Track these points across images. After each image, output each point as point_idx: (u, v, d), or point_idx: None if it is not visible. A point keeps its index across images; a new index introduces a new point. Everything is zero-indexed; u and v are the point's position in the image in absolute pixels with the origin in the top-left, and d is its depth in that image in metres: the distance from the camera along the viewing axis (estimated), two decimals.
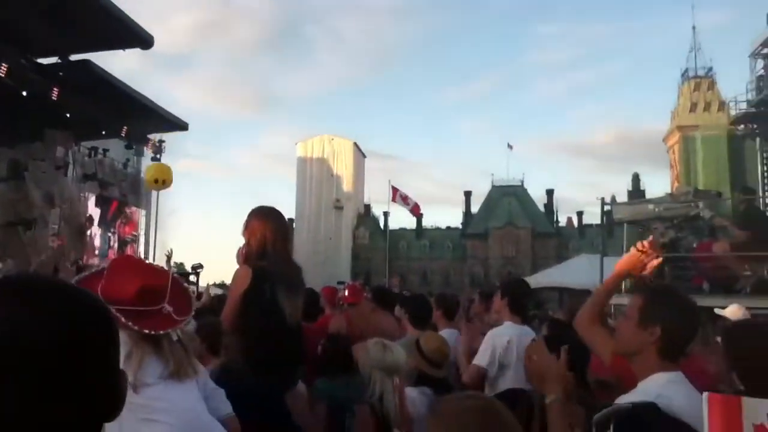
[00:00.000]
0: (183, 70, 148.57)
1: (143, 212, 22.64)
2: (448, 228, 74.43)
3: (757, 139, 36.63)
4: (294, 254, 4.13)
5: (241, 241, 3.50)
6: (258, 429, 2.71)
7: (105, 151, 19.43)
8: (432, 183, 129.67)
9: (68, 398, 0.80)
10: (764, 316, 7.12)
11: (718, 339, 3.25)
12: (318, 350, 3.98)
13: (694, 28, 56.27)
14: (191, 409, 2.26)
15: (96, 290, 2.08)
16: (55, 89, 13.83)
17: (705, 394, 1.45)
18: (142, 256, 20.74)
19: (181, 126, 19.64)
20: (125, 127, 17.69)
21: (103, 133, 17.98)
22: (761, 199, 25.25)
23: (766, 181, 34.96)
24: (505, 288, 4.35)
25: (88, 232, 17.98)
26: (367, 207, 75.31)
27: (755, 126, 36.11)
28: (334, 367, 3.68)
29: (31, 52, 13.86)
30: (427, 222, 74.06)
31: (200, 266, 12.75)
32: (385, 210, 66.85)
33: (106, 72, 14.58)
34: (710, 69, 55.90)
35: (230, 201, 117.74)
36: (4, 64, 12.31)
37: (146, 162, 22.65)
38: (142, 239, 22.39)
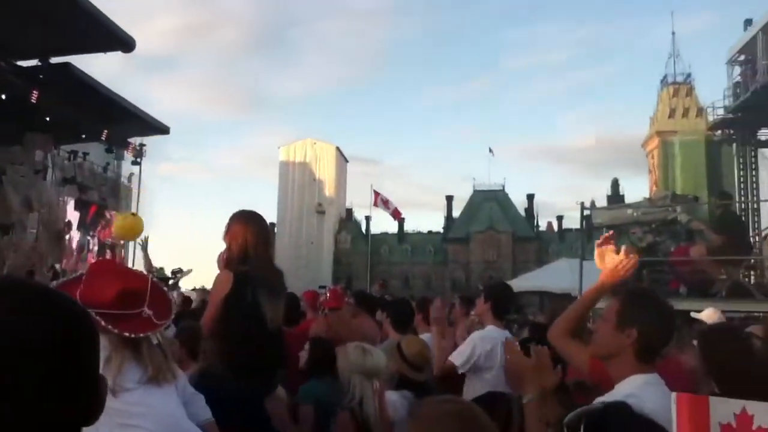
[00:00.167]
0: (165, 73, 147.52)
1: (122, 214, 22.43)
2: (430, 232, 74.58)
3: (734, 145, 37.19)
4: (276, 258, 4.14)
5: (223, 246, 3.50)
6: None
7: (85, 154, 19.25)
8: (414, 187, 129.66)
9: (45, 401, 0.81)
10: (739, 319, 7.24)
11: (695, 342, 3.30)
12: (299, 354, 3.99)
13: (673, 34, 57.14)
14: (170, 414, 2.25)
15: (74, 295, 2.07)
16: (34, 92, 13.68)
17: (673, 394, 1.48)
18: (123, 260, 20.56)
19: (162, 130, 19.53)
20: (105, 131, 17.54)
21: (83, 136, 17.83)
22: (737, 204, 25.65)
23: (742, 186, 35.51)
24: (488, 292, 4.35)
25: (67, 237, 17.79)
26: (349, 211, 75.24)
27: (732, 132, 36.66)
28: (321, 370, 3.70)
29: (10, 55, 13.70)
30: (409, 226, 74.22)
31: (180, 270, 12.65)
32: (367, 214, 66.79)
33: (86, 75, 14.46)
34: (689, 75, 56.69)
35: (213, 204, 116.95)
36: None
37: (127, 165, 22.48)
38: (121, 242, 22.16)
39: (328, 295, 6.53)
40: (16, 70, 13.80)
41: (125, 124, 17.81)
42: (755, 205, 29.70)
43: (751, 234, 13.80)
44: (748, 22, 34.95)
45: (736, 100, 33.27)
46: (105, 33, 13.68)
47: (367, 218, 68.07)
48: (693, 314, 5.34)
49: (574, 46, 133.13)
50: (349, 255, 70.62)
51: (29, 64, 14.06)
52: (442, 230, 73.55)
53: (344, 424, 3.11)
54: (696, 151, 46.95)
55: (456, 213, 73.89)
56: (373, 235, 68.18)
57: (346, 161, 76.71)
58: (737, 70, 33.80)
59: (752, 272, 10.04)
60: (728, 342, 3.05)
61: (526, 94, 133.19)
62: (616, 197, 60.34)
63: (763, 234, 12.54)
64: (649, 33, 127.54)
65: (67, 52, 14.31)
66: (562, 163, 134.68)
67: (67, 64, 14.04)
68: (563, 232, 68.05)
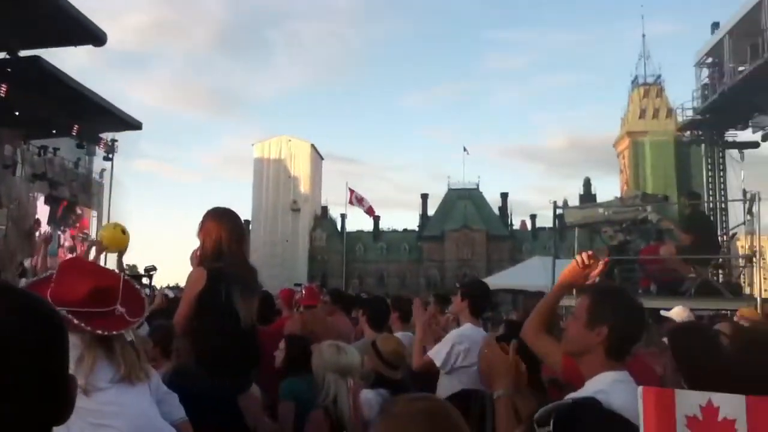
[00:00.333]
0: (138, 69, 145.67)
1: (94, 213, 22.12)
2: (405, 230, 74.71)
3: (702, 146, 37.88)
4: (250, 256, 4.11)
5: (197, 243, 3.47)
6: None
7: (55, 150, 18.92)
8: (390, 186, 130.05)
9: (14, 402, 0.80)
10: (708, 317, 7.39)
11: (665, 339, 3.36)
12: (275, 354, 3.98)
13: (643, 36, 58.27)
14: (143, 414, 2.23)
15: (45, 295, 2.04)
16: (3, 86, 13.41)
17: (640, 388, 1.49)
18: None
19: (134, 125, 19.27)
20: (77, 126, 17.26)
21: (54, 131, 17.53)
22: (706, 204, 26.13)
23: (710, 186, 36.17)
24: (465, 290, 4.35)
25: (36, 233, 17.47)
26: (325, 209, 75.00)
27: (700, 133, 37.30)
28: (298, 368, 3.69)
29: None
30: (385, 224, 74.32)
31: (153, 268, 12.51)
32: (342, 212, 66.78)
33: (56, 69, 14.20)
34: (659, 77, 57.59)
35: (187, 202, 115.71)
36: None
37: (98, 161, 22.15)
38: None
39: (303, 293, 6.53)
40: None
41: (96, 119, 17.54)
42: (723, 205, 30.26)
43: (719, 233, 14.08)
44: (715, 26, 35.61)
45: (705, 101, 33.87)
46: (76, 26, 13.45)
47: (343, 216, 68.05)
48: (662, 312, 5.44)
49: (549, 48, 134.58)
50: (324, 253, 70.44)
51: None
52: (417, 228, 73.71)
53: (318, 422, 3.11)
54: (666, 151, 47.74)
55: (431, 211, 74.15)
56: (349, 233, 68.09)
57: (322, 159, 76.50)
58: (705, 72, 34.39)
59: (720, 271, 10.25)
60: (697, 339, 3.12)
61: (501, 94, 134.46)
62: (588, 196, 61.11)
63: (731, 233, 12.80)
64: (621, 35, 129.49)
65: (37, 45, 14.05)
66: (535, 162, 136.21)
67: (36, 58, 13.78)
68: (536, 231, 68.72)
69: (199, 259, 3.40)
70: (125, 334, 2.24)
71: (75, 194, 20.40)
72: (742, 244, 10.50)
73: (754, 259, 8.82)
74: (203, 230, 3.42)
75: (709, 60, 33.63)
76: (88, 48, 15.12)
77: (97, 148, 20.95)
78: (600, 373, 2.02)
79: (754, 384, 1.83)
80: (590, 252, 2.54)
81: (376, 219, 71.76)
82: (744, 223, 9.18)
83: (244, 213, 65.92)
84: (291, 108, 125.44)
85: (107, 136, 20.34)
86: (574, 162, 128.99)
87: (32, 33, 13.33)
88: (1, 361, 0.79)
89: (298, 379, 3.68)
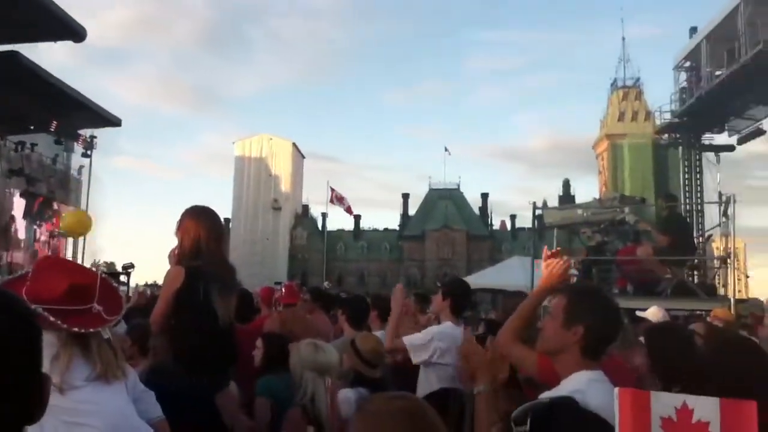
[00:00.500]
0: (118, 66, 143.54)
1: (72, 209, 21.85)
2: (386, 230, 74.78)
3: (680, 148, 38.39)
4: (230, 254, 4.10)
5: (176, 242, 3.45)
6: (188, 431, 2.68)
7: (33, 145, 18.66)
8: (371, 185, 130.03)
9: None
10: (684, 317, 7.50)
11: (641, 339, 3.40)
12: (253, 353, 3.96)
13: (623, 39, 58.57)
14: (119, 412, 2.22)
15: (20, 293, 2.02)
16: None
17: (616, 389, 1.52)
18: (70, 254, 20.04)
19: (113, 122, 19.09)
20: (55, 122, 17.06)
21: (32, 127, 17.30)
22: (683, 206, 26.50)
23: (687, 188, 36.68)
24: (447, 289, 4.34)
25: (12, 228, 17.23)
26: (305, 208, 74.81)
27: (678, 136, 37.80)
28: (276, 366, 3.68)
29: None
30: (366, 224, 74.38)
31: (131, 266, 12.38)
32: (323, 211, 66.64)
33: (35, 64, 14.01)
34: (638, 79, 58.23)
35: (167, 200, 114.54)
36: None
37: (76, 158, 21.91)
38: (70, 238, 21.60)
39: (283, 291, 6.51)
40: None
41: (75, 115, 17.35)
42: (699, 207, 30.72)
43: (695, 235, 14.28)
44: (693, 30, 36.10)
45: (683, 105, 34.33)
46: (55, 22, 13.29)
47: (324, 215, 67.89)
48: (638, 313, 5.51)
49: (530, 50, 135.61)
50: (304, 251, 70.27)
51: None
52: (398, 228, 73.80)
53: (295, 421, 3.11)
54: (644, 153, 48.25)
55: (412, 211, 74.29)
56: (330, 232, 67.96)
57: (303, 157, 76.23)
58: (683, 76, 34.85)
59: (696, 272, 10.39)
60: (672, 339, 3.16)
61: (482, 95, 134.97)
62: (567, 197, 61.67)
63: (707, 235, 12.98)
64: (602, 38, 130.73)
65: (15, 40, 13.84)
66: (515, 163, 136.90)
67: (14, 53, 13.57)
68: (516, 231, 69.19)
69: (177, 257, 3.38)
70: (102, 332, 2.22)
71: (52, 190, 20.14)
72: (717, 246, 10.65)
73: (728, 261, 8.96)
74: (181, 228, 3.40)
75: (687, 64, 34.08)
76: (68, 44, 14.95)
77: (75, 144, 20.73)
78: (575, 373, 2.04)
79: (727, 384, 1.87)
80: (553, 251, 2.56)
81: (357, 218, 71.81)
82: (719, 225, 9.34)
83: (225, 211, 65.66)
84: (273, 106, 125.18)
85: (86, 132, 20.12)
86: (553, 163, 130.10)
87: (10, 28, 13.15)
88: None
89: (275, 377, 3.68)
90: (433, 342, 3.97)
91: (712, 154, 35.95)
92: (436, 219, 70.03)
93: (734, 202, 8.69)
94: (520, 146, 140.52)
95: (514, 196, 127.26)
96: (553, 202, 50.52)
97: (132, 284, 12.40)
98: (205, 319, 3.21)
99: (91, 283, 2.22)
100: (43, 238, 19.46)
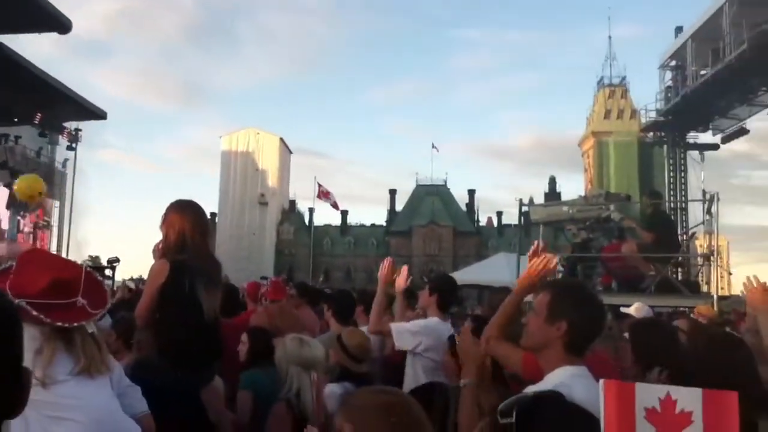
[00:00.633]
0: (106, 58, 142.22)
1: (56, 203, 21.68)
2: (373, 225, 74.75)
3: (665, 147, 38.72)
4: (217, 249, 4.09)
5: (161, 236, 3.43)
6: (173, 425, 2.67)
7: (17, 138, 18.45)
8: (359, 181, 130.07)
9: None
10: (667, 314, 7.58)
11: (626, 335, 3.43)
12: (238, 348, 3.96)
13: (609, 38, 58.60)
14: (103, 407, 2.21)
15: (4, 287, 2.01)
16: None
17: (601, 381, 1.54)
18: (55, 247, 19.89)
19: (99, 115, 18.93)
20: (39, 114, 16.87)
21: (16, 119, 17.10)
22: (667, 204, 26.73)
23: (671, 186, 37.00)
24: (434, 284, 4.35)
25: None
26: (292, 203, 74.55)
27: (663, 134, 38.14)
28: (262, 361, 3.68)
29: None
30: (353, 219, 74.29)
31: (116, 260, 12.31)
32: (310, 206, 66.54)
33: (19, 56, 13.85)
34: (624, 78, 58.54)
35: (153, 194, 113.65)
36: None
37: (61, 151, 21.73)
38: (55, 231, 21.42)
39: (269, 286, 6.50)
40: None
41: (60, 108, 17.18)
42: (683, 205, 30.98)
43: (679, 232, 14.40)
44: (678, 30, 36.41)
45: (668, 103, 34.63)
46: (40, 13, 13.14)
47: (311, 210, 67.84)
48: (622, 309, 5.57)
49: (517, 47, 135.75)
50: (291, 246, 70.09)
51: None
52: (384, 223, 73.81)
53: (281, 415, 3.10)
54: (629, 151, 48.55)
55: (399, 207, 74.31)
56: (316, 227, 67.85)
57: (290, 152, 75.98)
58: (669, 75, 35.14)
59: (679, 269, 10.49)
60: (656, 335, 3.20)
61: (470, 92, 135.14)
62: (553, 194, 62.00)
63: (690, 233, 13.10)
64: (589, 37, 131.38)
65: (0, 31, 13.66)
66: (502, 160, 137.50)
67: None
68: (502, 228, 69.41)
69: (162, 251, 3.36)
70: (86, 326, 2.21)
71: None
72: (700, 243, 10.76)
73: (711, 258, 9.05)
74: (166, 222, 3.38)
75: (673, 63, 34.37)
76: (53, 35, 14.80)
77: (60, 137, 20.54)
78: (559, 368, 2.05)
79: (712, 379, 1.90)
80: (539, 246, 2.58)
81: (344, 213, 71.71)
82: (703, 223, 9.41)
83: (211, 206, 65.32)
84: (260, 101, 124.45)
85: (71, 125, 19.94)
86: (540, 160, 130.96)
87: None
88: None
89: (260, 371, 3.67)
90: (419, 335, 3.97)
91: (697, 152, 36.33)
92: (423, 215, 70.11)
93: (718, 200, 8.78)
94: (507, 143, 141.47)
95: (500, 193, 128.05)
96: (540, 199, 50.67)
97: (117, 279, 12.33)
98: (191, 314, 3.20)
99: (75, 276, 2.21)
100: (26, 229, 19.28)
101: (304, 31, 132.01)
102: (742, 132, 32.71)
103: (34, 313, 1.99)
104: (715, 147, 36.08)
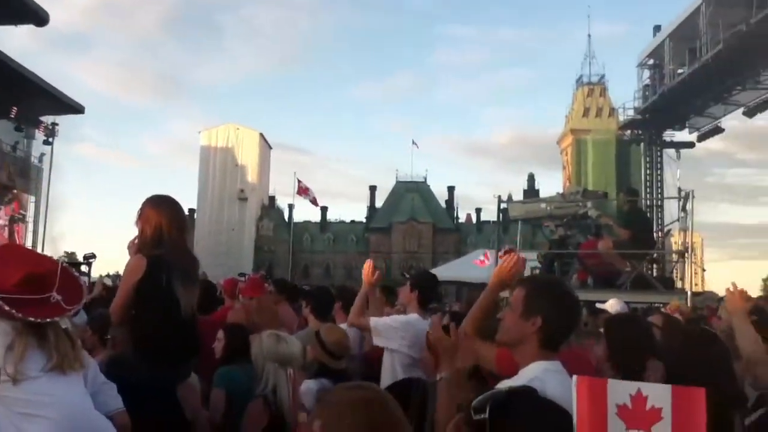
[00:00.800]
0: (84, 52, 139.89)
1: (32, 198, 21.37)
2: (353, 222, 74.66)
3: (642, 144, 39.19)
4: (195, 245, 4.06)
5: (135, 232, 3.39)
6: (149, 423, 2.65)
7: None
8: (339, 177, 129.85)
9: None
10: (643, 309, 7.67)
11: (601, 330, 3.47)
12: (214, 345, 3.94)
13: (589, 36, 59.03)
14: (75, 403, 2.18)
15: None
16: None
17: (574, 377, 1.56)
18: (30, 242, 19.61)
19: (76, 109, 18.70)
20: (15, 108, 16.60)
21: None
22: (643, 201, 27.06)
23: (648, 183, 37.47)
24: (415, 281, 4.35)
25: None
26: (272, 199, 74.18)
27: (640, 132, 38.60)
28: (239, 357, 3.66)
29: None
30: (332, 215, 74.14)
31: (93, 256, 12.16)
32: (290, 202, 66.25)
33: None
34: (603, 76, 59.04)
35: (131, 189, 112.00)
36: None
37: (38, 145, 21.41)
38: (31, 226, 21.09)
39: (246, 282, 6.48)
40: None
41: (37, 101, 16.93)
42: (659, 202, 31.41)
43: (654, 229, 14.60)
44: (657, 29, 36.83)
45: (645, 102, 35.03)
46: (17, 5, 12.90)
47: (290, 206, 67.55)
48: (598, 305, 5.63)
49: (498, 45, 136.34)
50: (270, 243, 69.77)
51: None
52: (364, 220, 73.77)
53: (257, 412, 3.09)
54: (607, 149, 48.97)
55: (379, 203, 74.31)
56: (296, 224, 67.58)
57: (270, 148, 75.55)
58: (647, 73, 35.53)
59: (655, 265, 10.64)
60: (631, 330, 3.24)
61: (450, 90, 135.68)
62: (531, 191, 62.47)
63: (666, 230, 13.28)
64: (569, 35, 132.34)
65: None
66: (482, 157, 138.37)
67: None
68: (481, 224, 69.72)
69: (138, 246, 3.32)
70: (60, 321, 2.18)
71: (12, 179, 19.64)
72: (675, 240, 10.92)
73: (686, 255, 9.19)
74: (142, 218, 3.35)
75: (651, 62, 34.74)
76: (30, 28, 14.54)
77: (36, 131, 20.25)
78: (533, 363, 2.06)
79: (688, 375, 1.93)
80: (506, 248, 2.61)
81: (324, 210, 71.55)
82: (678, 220, 9.55)
83: (190, 201, 64.72)
84: (241, 96, 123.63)
85: (47, 119, 19.66)
86: (519, 158, 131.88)
87: None
88: None
89: (237, 368, 3.66)
90: (398, 332, 3.97)
91: (673, 150, 36.82)
92: (403, 211, 70.18)
93: (693, 197, 8.91)
94: (487, 140, 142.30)
95: (480, 190, 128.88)
96: (518, 196, 51.13)
97: (94, 275, 12.18)
98: (168, 310, 3.18)
99: (50, 271, 2.18)
100: (1, 221, 18.99)
101: (286, 26, 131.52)
102: (718, 131, 33.21)
103: (6, 308, 1.97)
104: (690, 145, 36.60)
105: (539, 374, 1.99)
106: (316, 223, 72.48)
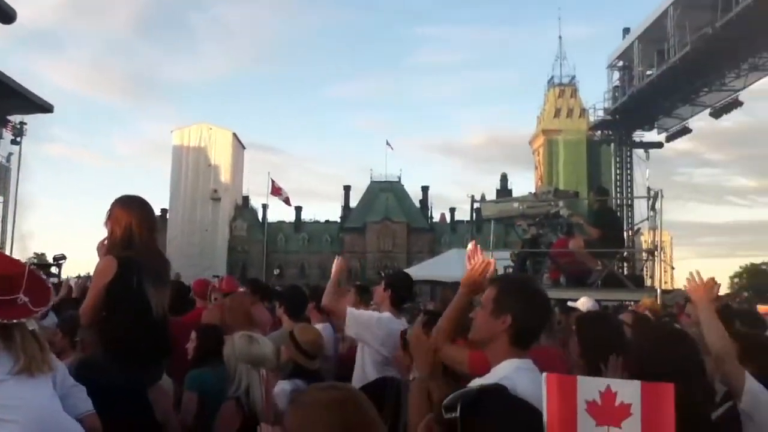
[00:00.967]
0: (53, 50, 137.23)
1: (0, 198, 20.94)
2: (327, 222, 74.49)
3: (612, 145, 39.78)
4: (168, 245, 4.01)
5: (105, 234, 3.34)
6: (119, 425, 2.62)
7: None
8: (314, 177, 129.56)
9: None
10: (613, 307, 7.79)
11: (573, 328, 3.51)
12: (187, 343, 3.90)
13: (560, 38, 59.69)
14: (43, 407, 2.15)
15: None
16: None
17: (544, 375, 1.58)
18: None
19: (45, 108, 18.34)
20: None
21: None
22: (614, 200, 27.46)
23: (618, 183, 38.04)
24: (389, 280, 4.35)
25: None
26: (246, 199, 73.63)
27: (610, 132, 39.18)
28: (211, 359, 3.62)
29: None
30: (307, 215, 73.93)
31: (63, 257, 11.94)
32: (264, 202, 65.81)
33: None
34: (573, 77, 59.77)
35: (102, 189, 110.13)
36: None
37: (5, 145, 21.00)
38: None
39: (220, 281, 6.42)
40: None
41: (4, 100, 16.58)
42: (629, 202, 31.90)
43: (625, 228, 14.82)
44: (626, 31, 37.40)
45: (615, 103, 35.56)
46: None
47: (264, 206, 67.08)
48: (569, 303, 5.70)
49: (471, 47, 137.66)
50: (244, 243, 69.26)
51: None
52: (339, 220, 73.65)
53: (230, 414, 3.07)
54: (578, 149, 49.63)
55: (353, 203, 74.23)
56: (270, 224, 67.17)
57: (244, 148, 74.97)
58: (616, 74, 36.07)
59: (625, 264, 10.80)
60: (602, 328, 3.28)
61: (423, 90, 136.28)
62: (504, 191, 62.97)
63: (636, 228, 13.49)
64: (540, 36, 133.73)
65: None
66: (455, 157, 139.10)
67: None
68: (455, 224, 70.05)
69: (108, 247, 3.27)
70: (27, 323, 2.15)
71: None
72: (645, 239, 11.10)
73: (655, 253, 9.35)
74: (111, 218, 3.29)
75: (620, 63, 35.27)
76: None
77: (4, 130, 19.84)
78: (505, 361, 2.07)
79: (659, 372, 1.95)
80: (473, 244, 2.56)
81: (298, 210, 71.32)
82: (647, 219, 9.71)
83: (162, 201, 63.94)
84: (213, 95, 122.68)
85: (15, 118, 19.30)
86: (492, 158, 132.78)
87: None
88: None
89: (209, 370, 3.62)
90: (372, 327, 3.95)
91: (642, 150, 37.45)
92: (377, 211, 70.22)
93: (662, 197, 9.06)
94: (459, 140, 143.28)
95: (453, 190, 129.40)
96: (491, 196, 51.55)
97: (64, 276, 11.97)
98: (139, 311, 3.14)
99: (17, 273, 2.15)
100: None
101: (260, 25, 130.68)
102: (685, 131, 33.86)
103: None
104: (659, 145, 37.26)
105: (510, 372, 2.01)
106: (290, 223, 72.19)
